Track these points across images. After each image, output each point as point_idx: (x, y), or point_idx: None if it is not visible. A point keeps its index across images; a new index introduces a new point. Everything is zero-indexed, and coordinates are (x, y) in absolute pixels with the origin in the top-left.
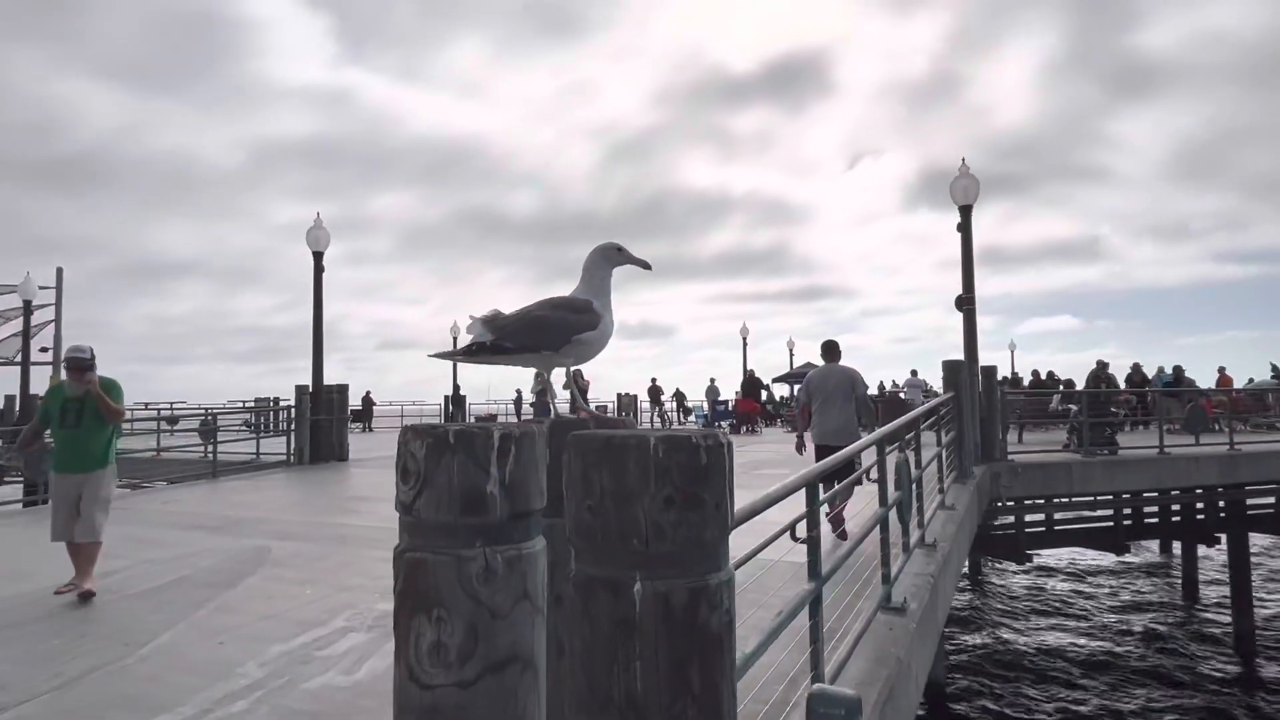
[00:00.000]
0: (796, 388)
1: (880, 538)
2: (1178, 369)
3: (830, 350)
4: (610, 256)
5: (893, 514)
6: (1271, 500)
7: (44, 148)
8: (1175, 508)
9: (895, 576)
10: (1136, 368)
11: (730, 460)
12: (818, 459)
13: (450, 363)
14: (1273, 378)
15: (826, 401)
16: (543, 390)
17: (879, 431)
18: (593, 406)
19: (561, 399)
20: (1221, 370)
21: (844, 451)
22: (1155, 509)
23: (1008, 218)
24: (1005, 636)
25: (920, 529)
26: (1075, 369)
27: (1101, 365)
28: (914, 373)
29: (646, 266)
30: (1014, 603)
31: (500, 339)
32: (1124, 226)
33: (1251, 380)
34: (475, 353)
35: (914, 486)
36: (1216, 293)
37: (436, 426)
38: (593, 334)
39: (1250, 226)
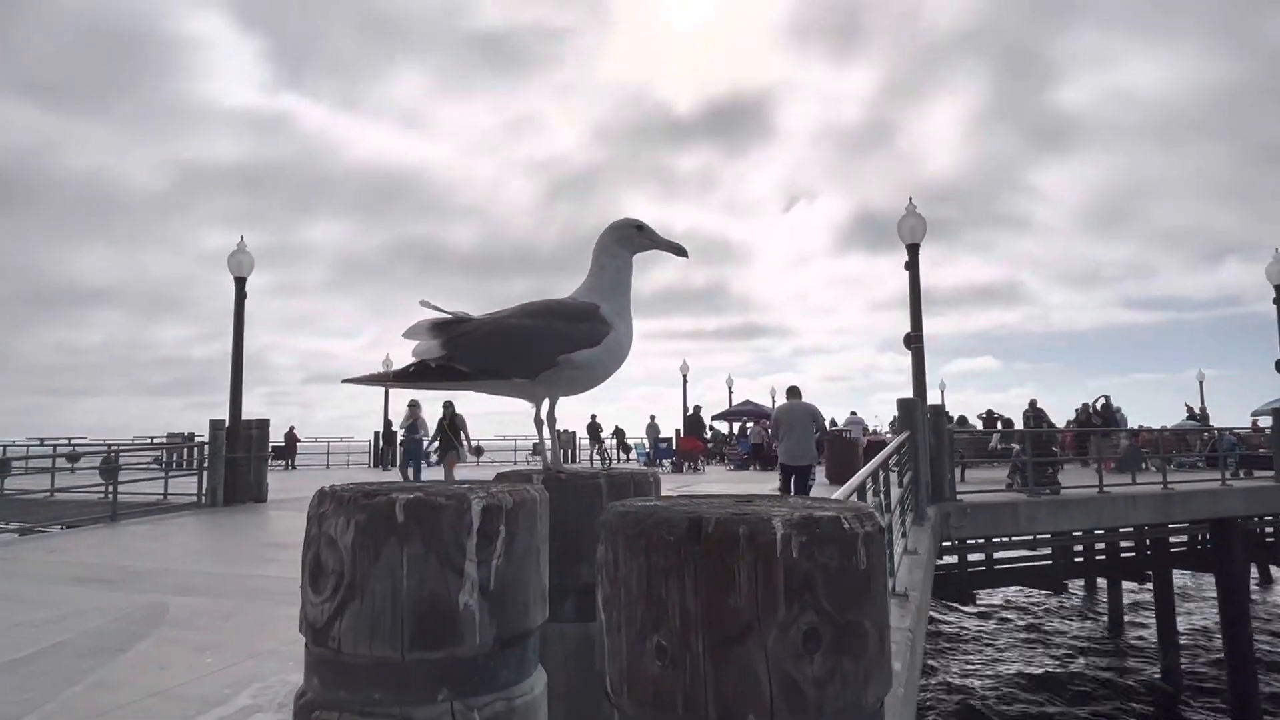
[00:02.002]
0: (740, 424)
1: None
2: (1106, 399)
3: (793, 392)
4: (628, 238)
5: None
6: (1186, 539)
7: None
8: (1100, 546)
9: None
10: (1085, 406)
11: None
12: (781, 475)
13: (383, 396)
14: (1188, 419)
15: (790, 430)
16: (413, 425)
17: (860, 476)
18: (474, 444)
19: (516, 437)
20: (1107, 402)
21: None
22: (1081, 547)
23: (935, 262)
24: (946, 678)
25: (891, 577)
26: (999, 409)
27: (1032, 404)
28: (853, 412)
29: (680, 252)
30: (951, 641)
31: (453, 357)
32: (1042, 272)
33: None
34: (415, 376)
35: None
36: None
37: (374, 492)
38: (592, 353)
39: (1156, 274)
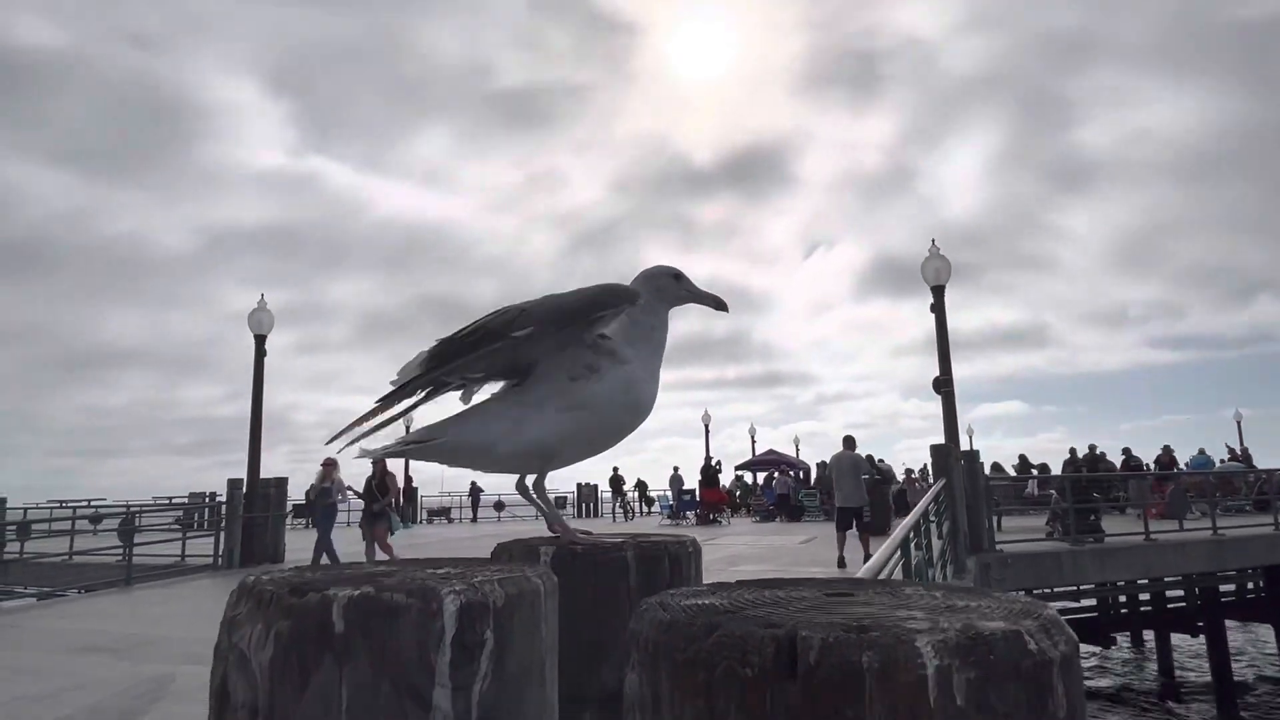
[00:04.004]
0: (766, 474)
1: None
2: (1126, 451)
3: (847, 442)
4: (667, 290)
5: None
6: (1235, 587)
7: None
8: (1144, 596)
9: None
10: (1167, 449)
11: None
12: (838, 517)
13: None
14: (1230, 459)
15: (842, 477)
16: (328, 487)
17: (903, 527)
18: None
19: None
20: (1167, 449)
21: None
22: (1126, 598)
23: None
24: None
25: None
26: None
27: (1092, 449)
28: (880, 460)
29: (721, 306)
30: None
31: (438, 355)
32: (1068, 313)
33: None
34: (387, 418)
35: None
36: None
37: (304, 587)
38: (602, 392)
39: (1185, 313)
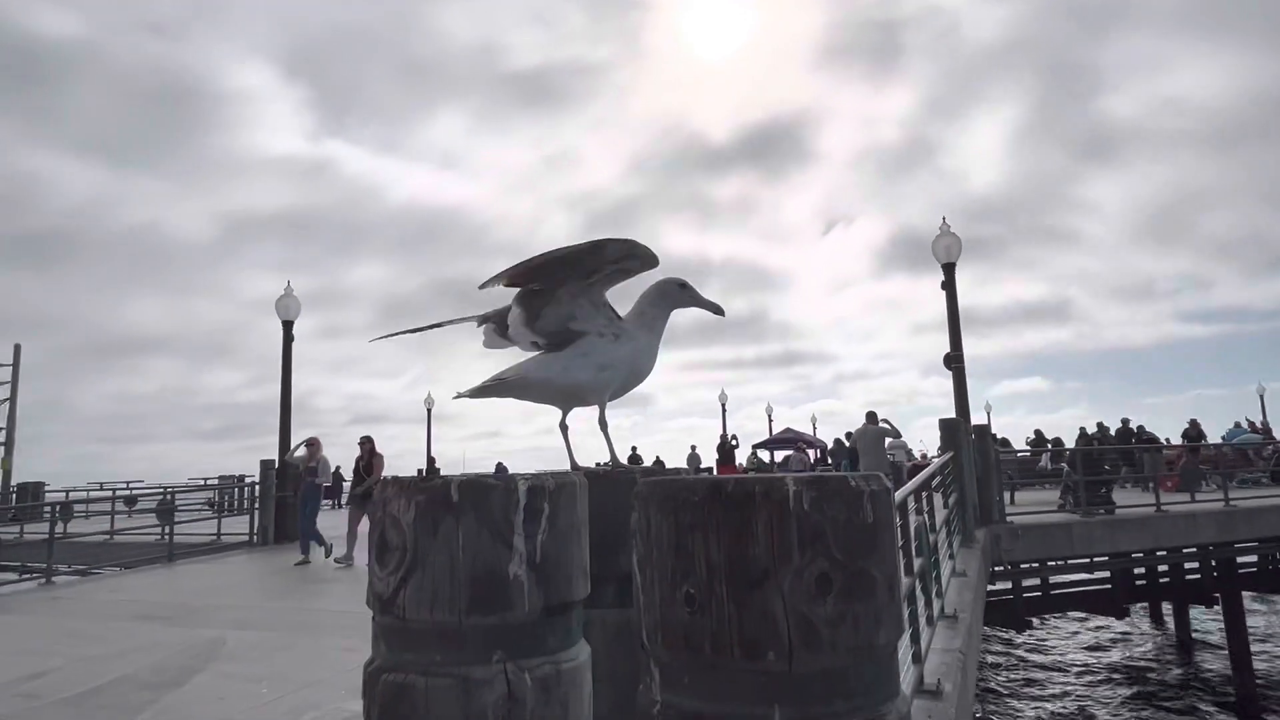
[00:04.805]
0: (782, 454)
1: (908, 611)
2: (1124, 422)
3: (870, 417)
4: (671, 294)
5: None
6: (1257, 559)
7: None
8: (1163, 568)
9: (924, 654)
10: (1194, 423)
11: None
12: None
13: (425, 436)
14: (1234, 430)
15: (867, 449)
16: (313, 466)
17: (901, 494)
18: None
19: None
20: (1194, 423)
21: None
22: (1143, 570)
23: (980, 281)
24: (1005, 708)
25: (939, 598)
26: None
27: (1124, 422)
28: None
29: (718, 311)
30: (1009, 670)
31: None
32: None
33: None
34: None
35: (933, 553)
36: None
37: (431, 478)
38: (623, 355)
39: (1213, 285)
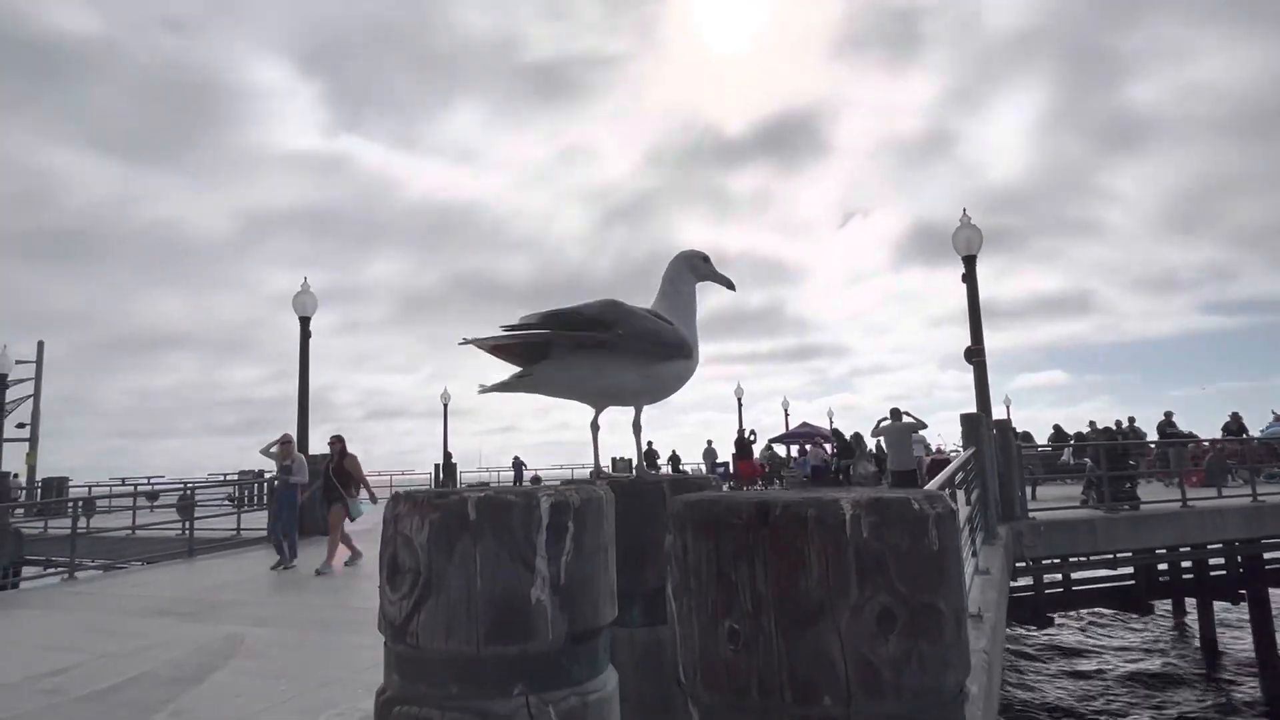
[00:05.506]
0: (798, 446)
1: None
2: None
3: (894, 413)
4: (697, 267)
5: None
6: None
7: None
8: (1186, 565)
9: None
10: (1235, 416)
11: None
12: (893, 482)
13: (442, 431)
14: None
15: (893, 445)
16: (289, 465)
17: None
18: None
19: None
20: (1235, 416)
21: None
22: (1166, 566)
23: (999, 273)
24: (1027, 706)
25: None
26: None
27: (1168, 415)
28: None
29: (730, 286)
30: (1030, 668)
31: (561, 316)
32: (1114, 279)
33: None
34: (517, 343)
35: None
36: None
37: (446, 493)
38: (668, 374)
39: (1238, 277)
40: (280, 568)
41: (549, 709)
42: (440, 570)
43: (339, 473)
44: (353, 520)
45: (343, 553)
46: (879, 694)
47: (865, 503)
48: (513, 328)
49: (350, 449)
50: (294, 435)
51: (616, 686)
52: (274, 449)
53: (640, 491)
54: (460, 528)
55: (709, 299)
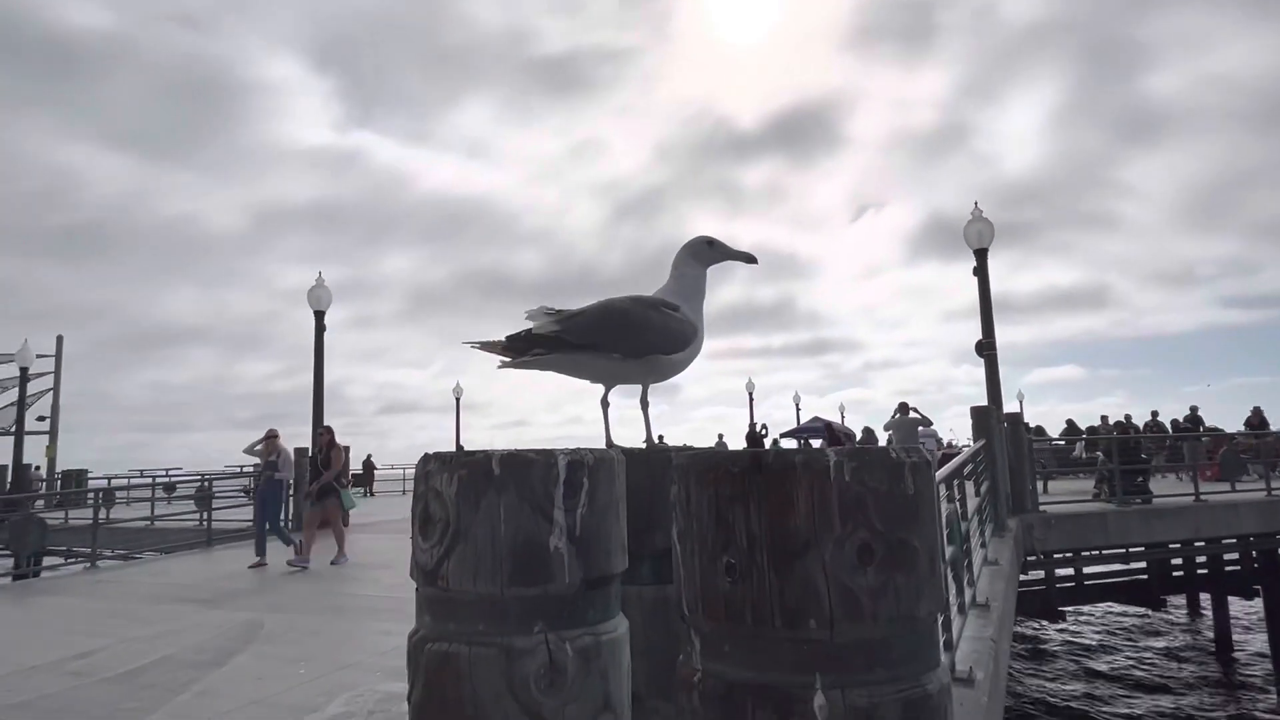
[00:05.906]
0: (805, 440)
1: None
2: (1194, 408)
3: (903, 407)
4: (702, 254)
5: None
6: None
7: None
8: (1201, 559)
9: (955, 642)
10: (1257, 410)
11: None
12: None
13: (455, 422)
14: None
15: (903, 438)
16: (274, 460)
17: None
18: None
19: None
20: (1257, 410)
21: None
22: (1180, 560)
23: (1014, 267)
24: (1036, 700)
25: (971, 587)
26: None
27: (1193, 409)
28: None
29: (750, 260)
30: (1040, 662)
31: (561, 332)
32: (1131, 273)
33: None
34: (519, 345)
35: (964, 541)
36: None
37: (472, 453)
38: (684, 354)
39: (1258, 270)
40: (259, 567)
41: (566, 645)
42: (468, 520)
43: (326, 464)
44: (347, 509)
45: (320, 549)
46: (859, 619)
47: (848, 451)
48: (515, 336)
49: (366, 443)
50: (300, 430)
51: (627, 631)
52: (258, 447)
53: (649, 460)
54: (485, 482)
55: (720, 295)
